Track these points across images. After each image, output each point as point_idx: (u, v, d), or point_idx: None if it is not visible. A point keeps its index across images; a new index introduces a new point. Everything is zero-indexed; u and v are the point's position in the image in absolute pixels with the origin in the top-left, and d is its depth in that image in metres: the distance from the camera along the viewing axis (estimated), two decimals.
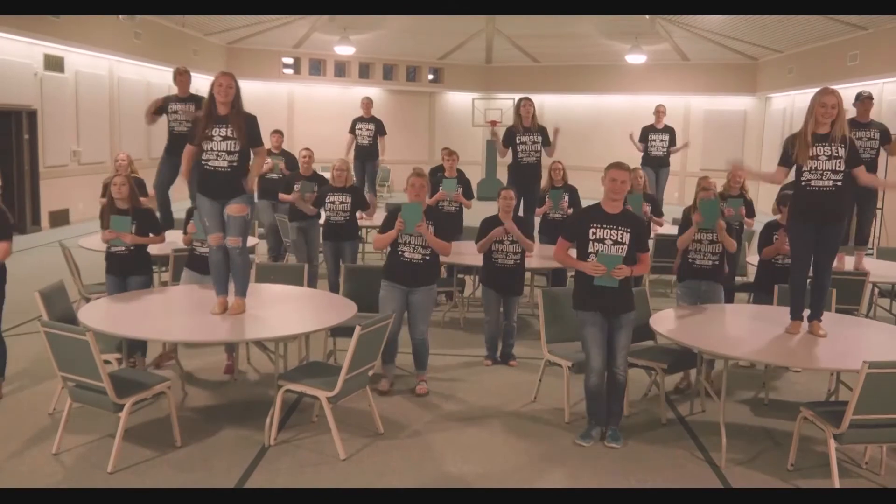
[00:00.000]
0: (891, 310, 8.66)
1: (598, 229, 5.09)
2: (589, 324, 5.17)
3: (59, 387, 5.33)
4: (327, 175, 8.56)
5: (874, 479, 4.88)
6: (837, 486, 4.51)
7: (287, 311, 5.82)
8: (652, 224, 8.91)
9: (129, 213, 6.21)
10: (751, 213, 8.28)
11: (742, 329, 5.67)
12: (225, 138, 5.25)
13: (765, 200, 9.93)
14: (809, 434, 5.19)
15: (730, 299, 8.06)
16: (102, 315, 5.30)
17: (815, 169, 5.13)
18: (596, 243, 5.08)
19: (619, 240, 5.06)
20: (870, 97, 7.97)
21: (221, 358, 6.67)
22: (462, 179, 9.14)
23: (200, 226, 6.14)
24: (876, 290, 8.35)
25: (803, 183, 5.21)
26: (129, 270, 6.28)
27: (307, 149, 9.34)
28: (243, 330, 5.26)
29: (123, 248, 6.23)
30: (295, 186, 8.68)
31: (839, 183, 5.13)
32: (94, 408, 4.84)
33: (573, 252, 5.24)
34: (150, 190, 8.76)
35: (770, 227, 6.93)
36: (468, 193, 9.15)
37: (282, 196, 8.99)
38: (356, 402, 5.55)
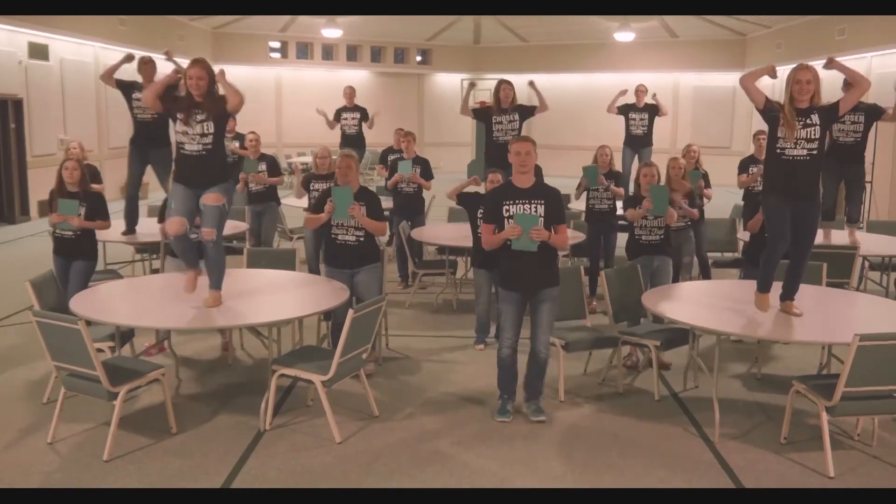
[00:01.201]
0: (881, 283, 8.71)
1: (512, 205, 5.07)
2: (506, 301, 5.21)
3: (53, 376, 5.33)
4: (307, 160, 8.56)
5: (866, 450, 4.92)
6: (830, 457, 4.55)
7: (279, 296, 5.81)
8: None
9: (79, 197, 6.26)
10: (707, 184, 8.49)
11: (733, 304, 5.68)
12: (200, 121, 5.17)
13: (722, 173, 9.79)
14: (802, 407, 5.23)
15: (706, 273, 8.20)
16: (94, 304, 5.29)
17: (787, 138, 5.02)
18: (510, 220, 5.06)
19: (534, 213, 5.04)
20: None
21: (215, 344, 6.68)
22: (419, 160, 9.06)
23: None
24: (866, 264, 8.38)
25: (777, 151, 5.09)
26: (74, 254, 6.35)
27: (253, 132, 9.38)
28: (237, 316, 5.26)
29: (71, 233, 6.29)
30: (260, 167, 8.79)
31: (814, 152, 5.03)
32: (88, 396, 4.84)
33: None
34: (103, 182, 8.68)
35: (749, 198, 7.01)
36: (427, 174, 9.04)
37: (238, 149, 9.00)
38: (350, 386, 5.56)
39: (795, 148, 5.03)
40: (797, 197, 5.11)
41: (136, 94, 7.90)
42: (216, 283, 5.35)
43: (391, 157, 9.83)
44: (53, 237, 6.43)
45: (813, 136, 5.01)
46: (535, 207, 5.05)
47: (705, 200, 8.37)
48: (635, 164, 10.97)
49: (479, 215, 6.70)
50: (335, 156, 9.46)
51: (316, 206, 6.06)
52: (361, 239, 6.00)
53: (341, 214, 5.80)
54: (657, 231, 6.60)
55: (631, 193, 7.08)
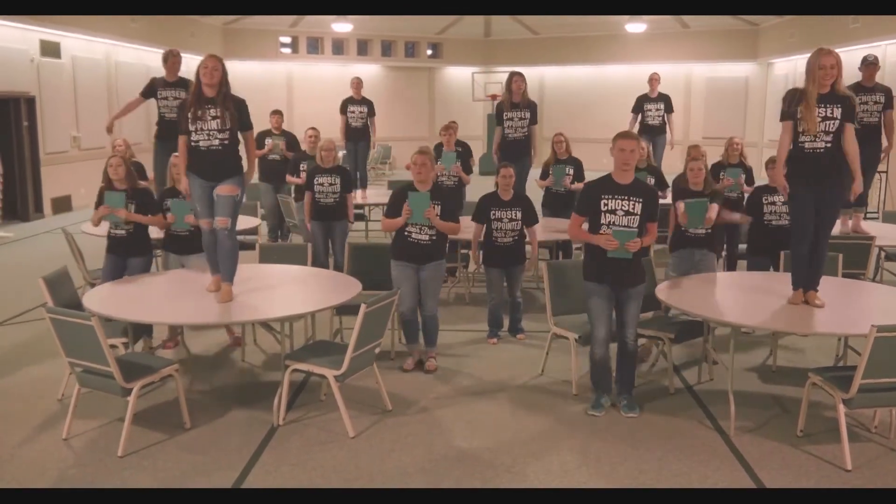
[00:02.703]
0: None
1: (610, 200, 5.05)
2: (596, 295, 5.16)
3: (67, 372, 5.34)
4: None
5: (884, 442, 4.87)
6: (847, 450, 4.51)
7: (292, 290, 5.81)
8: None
9: (127, 193, 6.21)
10: (750, 180, 8.24)
11: (747, 296, 5.64)
12: (214, 118, 5.22)
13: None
14: (818, 400, 5.19)
15: (732, 267, 8.08)
16: (107, 300, 5.30)
17: (808, 131, 5.05)
18: (608, 214, 5.04)
19: (631, 210, 5.03)
20: (875, 61, 7.90)
21: (227, 339, 6.69)
22: (461, 153, 9.05)
23: (180, 215, 6.25)
24: (882, 254, 8.31)
25: (799, 144, 5.14)
26: (129, 251, 6.30)
27: (313, 128, 9.36)
28: (249, 311, 5.26)
29: (123, 232, 6.24)
30: (301, 167, 8.66)
31: (829, 144, 5.05)
32: (102, 392, 4.85)
33: (586, 226, 5.21)
34: (150, 174, 8.73)
35: (759, 192, 6.92)
36: (466, 167, 9.04)
37: (289, 178, 9.00)
38: (364, 380, 5.55)
39: (815, 141, 5.06)
40: (821, 181, 5.11)
41: (161, 92, 8.01)
42: (228, 276, 5.39)
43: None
44: (108, 237, 6.37)
45: (830, 129, 5.04)
46: (634, 205, 5.04)
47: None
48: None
49: (493, 216, 6.70)
50: (340, 151, 9.49)
51: (391, 210, 6.10)
52: (434, 238, 6.05)
53: (418, 219, 5.92)
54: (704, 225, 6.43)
55: (673, 185, 6.91)
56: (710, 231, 6.40)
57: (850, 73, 6.52)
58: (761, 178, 7.65)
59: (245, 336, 6.50)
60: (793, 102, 5.15)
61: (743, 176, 8.04)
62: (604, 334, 5.19)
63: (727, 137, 8.58)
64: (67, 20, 13.78)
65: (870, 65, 7.86)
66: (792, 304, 5.25)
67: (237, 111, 5.32)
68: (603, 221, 5.06)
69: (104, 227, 6.40)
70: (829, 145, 5.06)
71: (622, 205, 5.04)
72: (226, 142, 5.27)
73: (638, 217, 5.04)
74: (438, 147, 9.24)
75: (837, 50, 5.35)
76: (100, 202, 6.24)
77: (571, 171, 8.71)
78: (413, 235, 6.02)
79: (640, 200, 5.06)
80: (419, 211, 5.89)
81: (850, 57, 8.81)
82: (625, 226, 4.99)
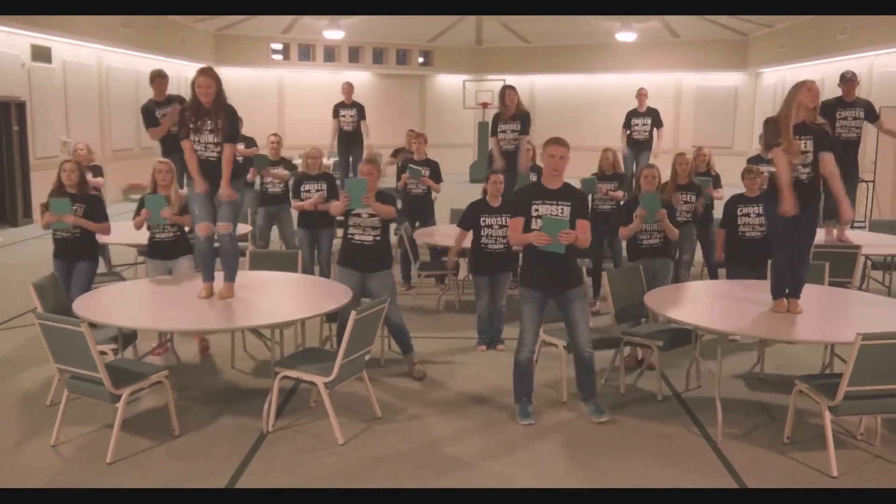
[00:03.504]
0: (883, 282, 8.69)
1: (540, 205, 5.14)
2: (528, 300, 5.22)
3: (56, 378, 5.33)
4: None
5: (870, 449, 4.91)
6: (833, 457, 4.55)
7: (282, 297, 5.82)
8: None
9: (76, 198, 6.32)
10: (717, 184, 8.42)
11: (734, 305, 5.68)
12: (210, 130, 5.39)
13: (725, 173, 9.62)
14: (805, 407, 5.22)
15: (714, 276, 8.15)
16: (97, 306, 5.30)
17: (792, 159, 5.12)
18: (538, 219, 5.12)
19: (560, 214, 5.12)
20: (853, 78, 8.03)
21: (218, 346, 6.68)
22: (430, 162, 9.06)
23: (155, 210, 6.26)
24: (868, 263, 8.38)
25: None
26: (76, 256, 6.36)
27: (275, 134, 9.36)
28: (239, 317, 5.27)
29: (70, 235, 6.32)
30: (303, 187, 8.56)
31: (812, 174, 5.17)
32: (91, 399, 4.85)
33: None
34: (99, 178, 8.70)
35: (734, 201, 7.00)
36: (436, 177, 9.03)
37: (296, 204, 8.81)
38: (353, 387, 5.56)
39: (795, 171, 5.14)
40: (800, 206, 5.18)
41: (157, 112, 8.05)
42: (230, 276, 5.54)
43: (402, 156, 9.84)
44: (54, 240, 6.44)
45: (808, 161, 5.15)
46: (562, 209, 5.12)
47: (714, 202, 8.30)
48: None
49: (483, 223, 6.74)
50: (331, 159, 9.51)
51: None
52: (378, 238, 6.05)
53: (357, 204, 5.90)
54: (657, 234, 6.65)
55: (628, 199, 7.05)
56: (664, 239, 6.62)
57: (834, 81, 6.61)
58: (732, 185, 7.75)
59: (234, 343, 6.50)
60: (775, 132, 5.22)
61: (711, 183, 8.16)
62: (531, 337, 5.28)
63: (715, 146, 8.72)
64: (58, 25, 13.77)
65: (848, 81, 8.02)
66: (776, 313, 5.30)
67: (228, 120, 5.41)
68: (534, 227, 5.13)
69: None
70: (810, 176, 5.17)
71: (551, 209, 5.12)
72: (221, 154, 5.43)
73: (568, 221, 5.11)
74: (400, 151, 9.24)
75: (825, 61, 5.46)
76: (48, 206, 6.31)
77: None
78: (356, 237, 6.04)
79: (569, 204, 5.14)
80: (357, 197, 5.86)
81: (839, 67, 8.92)
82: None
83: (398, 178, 9.28)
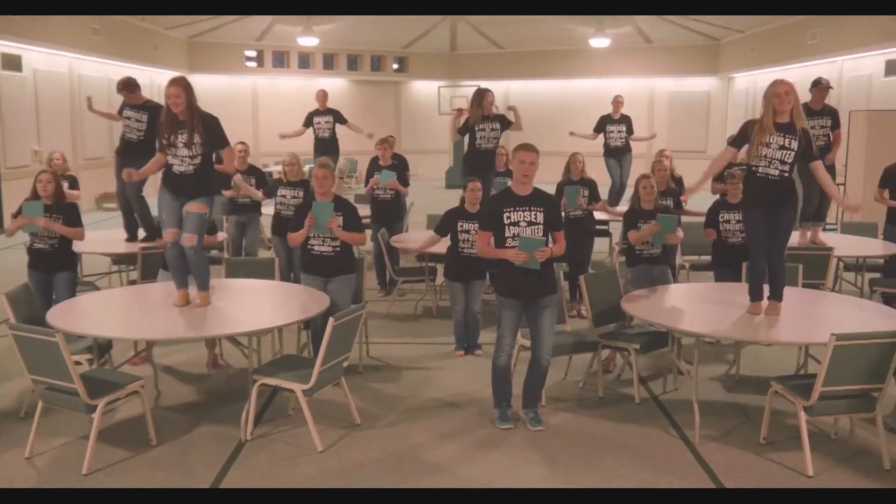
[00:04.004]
0: (856, 283, 8.80)
1: (513, 213, 5.08)
2: (507, 308, 5.20)
3: (31, 390, 5.26)
4: (279, 169, 8.47)
5: (844, 449, 4.96)
6: (808, 457, 4.60)
7: (259, 305, 5.80)
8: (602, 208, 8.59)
9: (52, 209, 6.15)
10: (680, 189, 8.36)
11: (711, 307, 5.73)
12: (186, 144, 5.30)
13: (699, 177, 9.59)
14: (780, 408, 5.27)
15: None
16: (72, 316, 5.24)
17: (765, 156, 5.20)
18: (511, 227, 5.08)
19: (534, 220, 5.08)
20: (828, 85, 8.03)
21: (195, 354, 6.64)
22: (397, 167, 9.03)
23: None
24: (841, 265, 8.48)
25: (753, 168, 5.30)
26: (55, 266, 6.19)
27: (242, 142, 9.29)
28: (216, 326, 5.24)
29: (47, 246, 6.16)
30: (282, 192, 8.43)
31: (785, 174, 5.21)
32: (66, 410, 4.79)
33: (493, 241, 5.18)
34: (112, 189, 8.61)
35: (717, 206, 7.05)
36: (403, 181, 9.01)
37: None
38: (331, 394, 5.54)
39: (770, 167, 5.21)
40: (772, 205, 5.28)
41: (126, 111, 7.88)
42: (203, 285, 5.47)
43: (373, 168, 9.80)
44: (29, 251, 6.30)
45: (786, 159, 5.18)
46: (535, 214, 5.08)
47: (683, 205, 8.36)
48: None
49: (460, 228, 6.75)
50: (307, 165, 9.46)
51: (296, 222, 6.05)
52: (338, 249, 6.00)
53: (320, 228, 5.84)
54: (658, 244, 6.55)
55: (628, 207, 7.02)
56: (664, 248, 6.60)
57: (806, 86, 6.68)
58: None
59: (218, 349, 6.45)
60: (747, 131, 5.30)
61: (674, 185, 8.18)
62: (510, 342, 5.28)
63: (689, 150, 8.74)
64: (29, 33, 13.62)
65: (822, 88, 7.95)
66: (752, 314, 5.35)
67: (207, 131, 5.35)
68: (507, 234, 5.09)
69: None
70: (783, 174, 5.22)
71: (524, 216, 5.08)
72: (197, 167, 5.38)
73: (541, 226, 5.09)
74: (374, 161, 9.24)
75: (795, 66, 5.54)
76: (18, 213, 6.16)
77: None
78: (316, 248, 6.01)
79: (541, 209, 5.11)
80: (321, 220, 5.81)
81: (809, 72, 9.01)
82: (530, 235, 5.04)
83: (366, 182, 9.26)
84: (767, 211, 5.29)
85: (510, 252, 5.04)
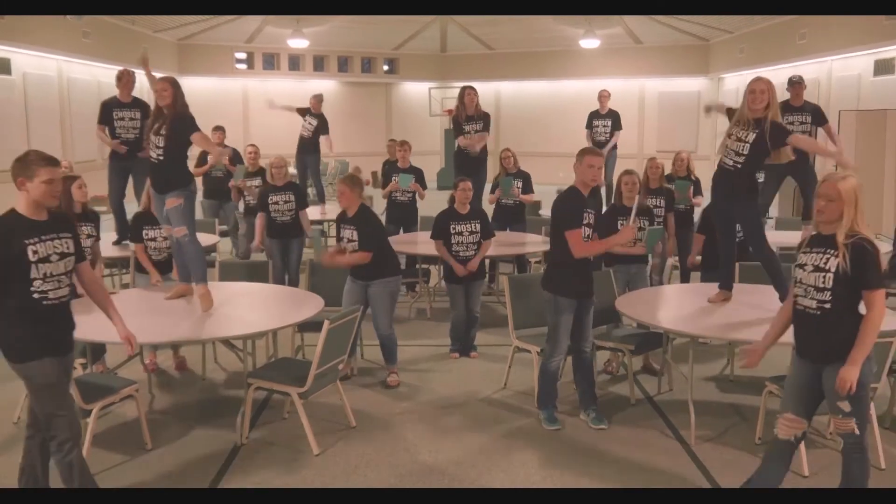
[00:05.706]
0: None
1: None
2: (567, 310, 5.21)
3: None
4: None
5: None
6: (804, 456, 4.61)
7: (254, 308, 5.78)
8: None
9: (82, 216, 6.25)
10: (697, 191, 8.41)
11: (705, 307, 5.73)
12: (156, 133, 5.54)
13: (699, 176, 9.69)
14: (775, 408, 5.26)
15: (686, 279, 8.22)
16: None
17: (727, 146, 5.40)
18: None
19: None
20: (800, 81, 8.14)
21: (190, 358, 6.61)
22: (414, 169, 9.12)
23: None
24: None
25: (719, 155, 5.58)
26: None
27: (252, 145, 9.29)
28: (210, 329, 5.22)
29: None
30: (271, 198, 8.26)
31: (738, 165, 5.35)
32: None
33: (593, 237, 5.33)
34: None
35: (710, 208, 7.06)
36: (421, 183, 9.11)
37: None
38: (327, 397, 5.53)
39: (727, 157, 5.43)
40: (728, 195, 5.49)
41: (116, 113, 7.82)
42: (200, 277, 5.51)
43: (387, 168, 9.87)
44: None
45: (741, 151, 5.34)
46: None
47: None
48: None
49: (453, 230, 6.77)
50: (290, 167, 9.48)
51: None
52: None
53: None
54: (637, 243, 6.57)
55: (611, 206, 7.05)
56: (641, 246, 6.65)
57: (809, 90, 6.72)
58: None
59: (206, 354, 6.43)
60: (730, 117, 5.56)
61: (691, 188, 8.20)
62: (565, 346, 5.32)
63: (679, 151, 8.76)
64: (18, 36, 13.54)
65: (795, 84, 8.07)
66: (711, 303, 5.56)
67: (178, 120, 5.47)
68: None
69: None
70: (737, 166, 5.36)
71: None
72: (161, 157, 5.56)
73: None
74: (393, 164, 9.32)
75: (785, 66, 5.62)
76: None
77: (520, 184, 8.93)
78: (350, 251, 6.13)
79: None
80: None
81: (798, 72, 9.05)
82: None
83: (384, 186, 9.31)
84: (728, 202, 5.50)
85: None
